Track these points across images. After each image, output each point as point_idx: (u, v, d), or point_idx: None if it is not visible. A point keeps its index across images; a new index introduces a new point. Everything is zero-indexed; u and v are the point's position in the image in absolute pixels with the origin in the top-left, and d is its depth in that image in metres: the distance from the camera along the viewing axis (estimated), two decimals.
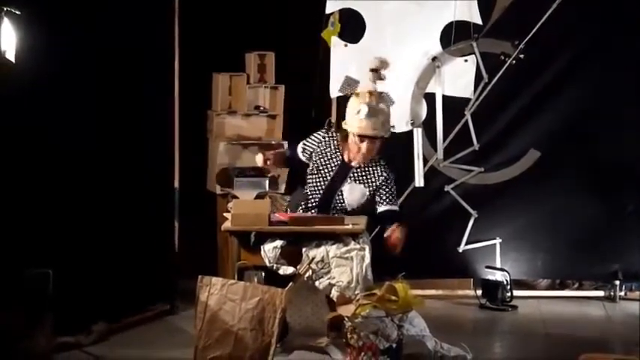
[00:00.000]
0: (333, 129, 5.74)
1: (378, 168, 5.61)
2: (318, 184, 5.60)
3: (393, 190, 5.62)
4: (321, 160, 5.63)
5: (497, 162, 6.89)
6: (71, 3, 5.66)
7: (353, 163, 5.59)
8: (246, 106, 7.30)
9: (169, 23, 6.49)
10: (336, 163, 5.61)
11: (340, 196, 5.58)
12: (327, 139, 5.65)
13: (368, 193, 5.59)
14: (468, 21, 6.76)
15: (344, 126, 5.58)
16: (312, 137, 5.70)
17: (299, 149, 5.70)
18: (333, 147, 5.64)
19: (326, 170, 5.61)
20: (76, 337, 5.61)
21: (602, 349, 5.52)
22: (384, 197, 5.59)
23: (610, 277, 6.88)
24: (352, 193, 5.58)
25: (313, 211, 5.57)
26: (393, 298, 5.00)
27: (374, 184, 5.59)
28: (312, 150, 5.66)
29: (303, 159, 5.68)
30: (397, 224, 5.39)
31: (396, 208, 5.63)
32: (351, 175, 5.60)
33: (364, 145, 5.51)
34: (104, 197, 5.93)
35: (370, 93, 5.54)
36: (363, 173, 5.59)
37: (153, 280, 6.35)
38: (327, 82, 6.84)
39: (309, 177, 5.64)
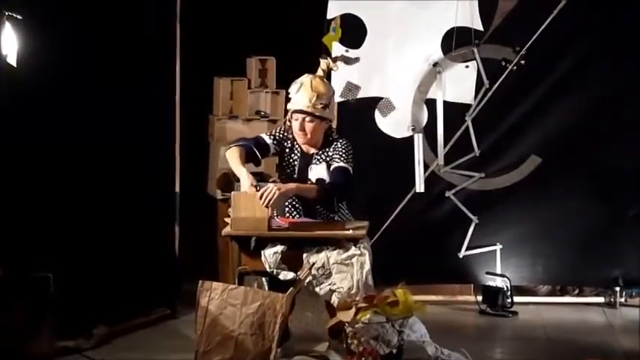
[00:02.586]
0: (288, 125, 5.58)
1: (332, 143, 5.50)
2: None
3: (342, 150, 5.44)
4: (285, 158, 5.57)
5: (498, 168, 6.89)
6: (72, 8, 5.67)
7: (311, 151, 5.53)
8: (247, 110, 7.32)
9: (170, 27, 6.50)
10: (296, 157, 5.56)
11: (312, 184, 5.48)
12: (288, 133, 5.56)
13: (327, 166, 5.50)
14: (469, 27, 6.76)
15: (288, 105, 5.52)
16: (277, 130, 5.60)
17: (268, 140, 5.50)
18: (290, 141, 5.56)
19: (290, 167, 5.55)
20: (77, 341, 5.61)
21: (603, 356, 5.52)
22: (334, 156, 5.46)
23: (610, 284, 6.88)
24: (317, 174, 5.49)
25: (297, 214, 5.55)
26: (393, 299, 5.01)
27: (329, 156, 5.50)
28: (280, 139, 5.54)
29: (272, 145, 5.51)
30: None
31: (342, 164, 5.39)
32: (313, 161, 5.52)
33: (307, 127, 5.43)
34: (105, 201, 5.94)
35: (314, 75, 5.53)
36: (323, 155, 5.51)
37: (153, 285, 6.35)
38: None
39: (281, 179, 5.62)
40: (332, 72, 5.56)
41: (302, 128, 5.46)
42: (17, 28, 5.20)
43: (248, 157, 5.40)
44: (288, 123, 5.55)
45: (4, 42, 5.15)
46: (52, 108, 5.55)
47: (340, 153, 5.45)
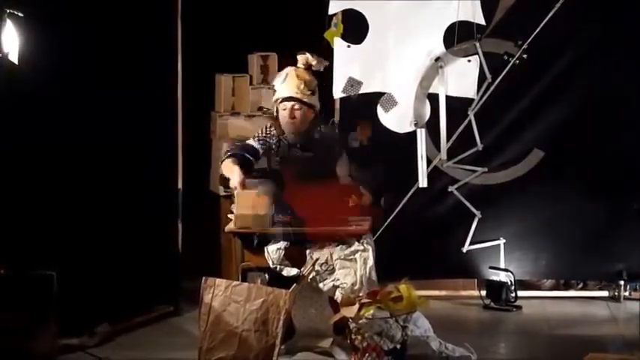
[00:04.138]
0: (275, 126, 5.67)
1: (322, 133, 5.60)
2: None
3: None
4: (272, 154, 5.62)
5: (501, 162, 6.87)
6: (73, 5, 5.66)
7: (297, 140, 5.57)
8: (249, 107, 7.31)
9: (171, 24, 6.49)
10: (284, 148, 5.60)
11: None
12: (269, 131, 5.63)
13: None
14: (471, 21, 6.75)
15: (274, 97, 5.60)
16: (258, 133, 5.66)
17: (256, 144, 5.59)
18: (275, 137, 5.61)
19: (279, 157, 5.61)
20: (80, 339, 5.62)
21: (607, 349, 5.52)
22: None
23: (614, 277, 6.86)
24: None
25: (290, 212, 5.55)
26: (396, 294, 5.01)
27: (329, 150, 5.57)
28: (264, 138, 5.61)
29: (260, 148, 5.59)
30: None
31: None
32: (298, 149, 5.59)
33: (297, 114, 5.50)
34: (107, 199, 5.93)
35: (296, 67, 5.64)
36: (310, 143, 5.57)
37: (157, 282, 6.35)
38: (329, 83, 6.83)
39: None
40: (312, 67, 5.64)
41: (292, 115, 5.51)
42: (18, 26, 5.19)
43: (242, 165, 5.44)
44: (275, 114, 5.58)
45: (5, 39, 5.14)
46: (52, 108, 5.54)
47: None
